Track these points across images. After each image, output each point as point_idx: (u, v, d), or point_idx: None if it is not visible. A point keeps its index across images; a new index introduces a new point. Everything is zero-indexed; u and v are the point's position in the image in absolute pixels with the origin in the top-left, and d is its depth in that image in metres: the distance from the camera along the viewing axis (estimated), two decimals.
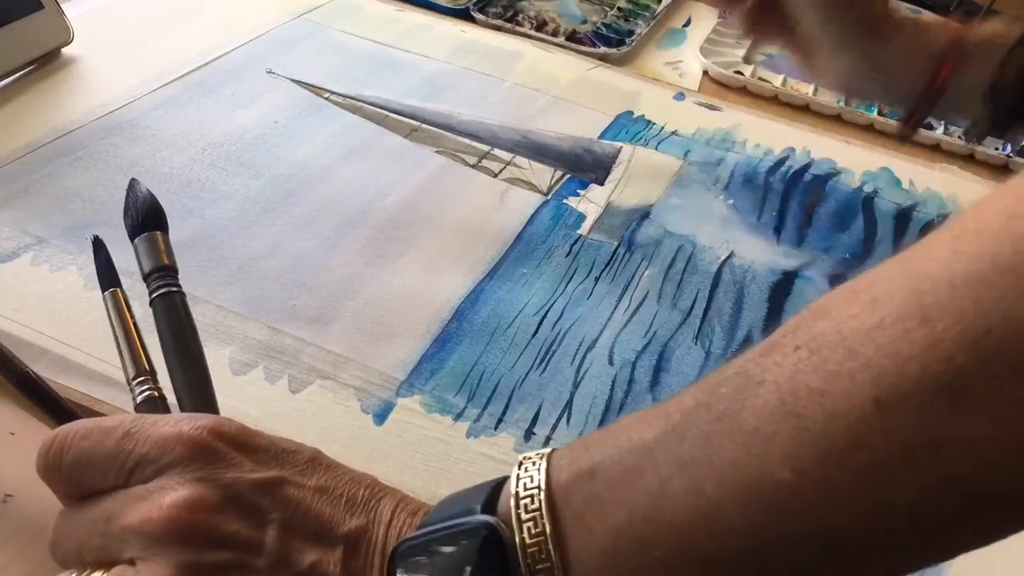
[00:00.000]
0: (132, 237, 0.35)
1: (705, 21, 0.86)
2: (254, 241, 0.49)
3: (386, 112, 0.63)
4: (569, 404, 0.43)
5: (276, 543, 0.26)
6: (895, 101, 0.56)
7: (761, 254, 0.55)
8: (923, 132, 0.69)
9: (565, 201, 0.56)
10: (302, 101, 0.62)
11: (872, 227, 0.59)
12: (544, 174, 0.59)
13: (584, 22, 0.81)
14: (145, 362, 0.32)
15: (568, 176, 0.59)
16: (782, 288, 0.52)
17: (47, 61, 0.61)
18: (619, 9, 0.85)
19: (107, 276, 0.34)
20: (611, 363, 0.45)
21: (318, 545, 0.27)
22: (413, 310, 0.46)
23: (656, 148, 0.63)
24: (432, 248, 0.51)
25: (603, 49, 0.76)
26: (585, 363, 0.45)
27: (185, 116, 0.58)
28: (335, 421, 0.40)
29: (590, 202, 0.57)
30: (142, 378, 0.32)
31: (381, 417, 0.40)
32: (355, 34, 0.72)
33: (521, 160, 0.60)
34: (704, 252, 0.54)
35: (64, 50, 0.63)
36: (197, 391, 0.33)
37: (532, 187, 0.57)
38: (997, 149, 0.69)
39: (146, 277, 0.34)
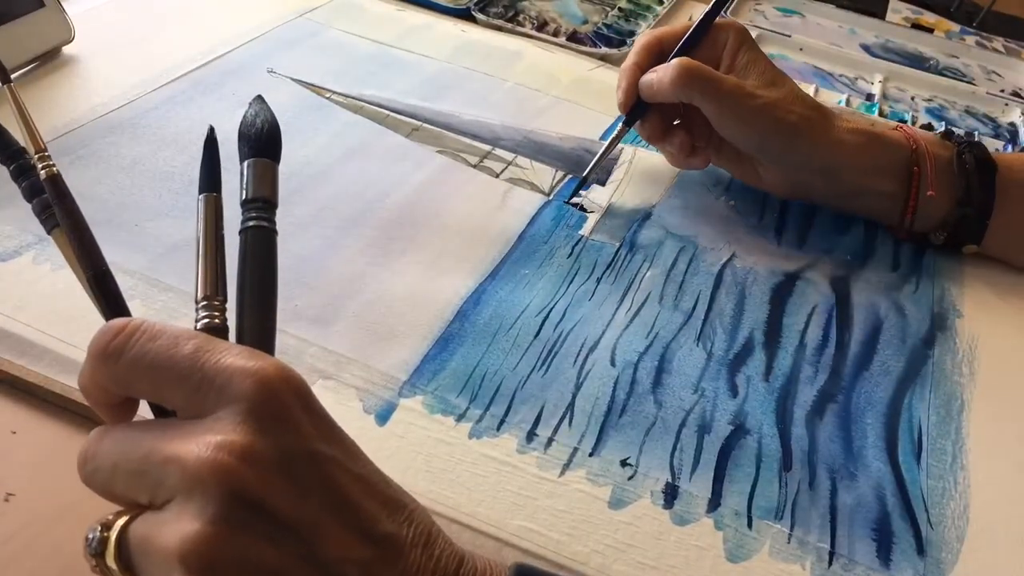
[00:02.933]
0: (244, 156, 0.32)
1: None
2: None
3: (387, 112, 0.62)
4: (571, 405, 0.43)
5: (311, 521, 0.25)
6: (849, 206, 0.59)
7: (763, 256, 0.55)
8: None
9: (575, 200, 0.56)
10: (303, 100, 0.62)
11: (873, 228, 0.59)
12: (545, 174, 0.59)
13: (585, 22, 0.81)
14: (218, 285, 0.30)
15: (569, 176, 0.59)
16: (784, 290, 0.52)
17: (48, 59, 0.61)
18: (620, 9, 0.85)
19: (210, 177, 0.31)
20: (613, 364, 0.45)
21: (351, 537, 0.26)
22: (415, 310, 0.46)
23: (657, 150, 0.63)
24: (434, 248, 0.51)
25: (604, 49, 0.76)
26: (587, 364, 0.45)
27: (187, 115, 0.58)
28: (337, 421, 0.39)
29: (592, 202, 0.57)
30: (214, 303, 0.30)
31: (383, 417, 0.40)
32: (356, 34, 0.72)
33: (523, 160, 0.60)
34: (706, 253, 0.54)
35: (65, 49, 0.63)
36: (264, 336, 0.30)
37: (534, 187, 0.57)
38: (997, 151, 0.69)
39: (245, 203, 0.31)
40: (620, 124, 0.57)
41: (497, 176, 0.58)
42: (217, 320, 0.30)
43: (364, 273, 0.48)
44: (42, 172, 0.31)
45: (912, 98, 0.78)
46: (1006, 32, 0.95)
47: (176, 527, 0.24)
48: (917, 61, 0.85)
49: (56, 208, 0.30)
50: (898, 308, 0.52)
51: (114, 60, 0.63)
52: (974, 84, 0.82)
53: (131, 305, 0.44)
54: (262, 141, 0.32)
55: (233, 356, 0.26)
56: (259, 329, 0.30)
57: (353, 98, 0.63)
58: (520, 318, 0.47)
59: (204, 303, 0.30)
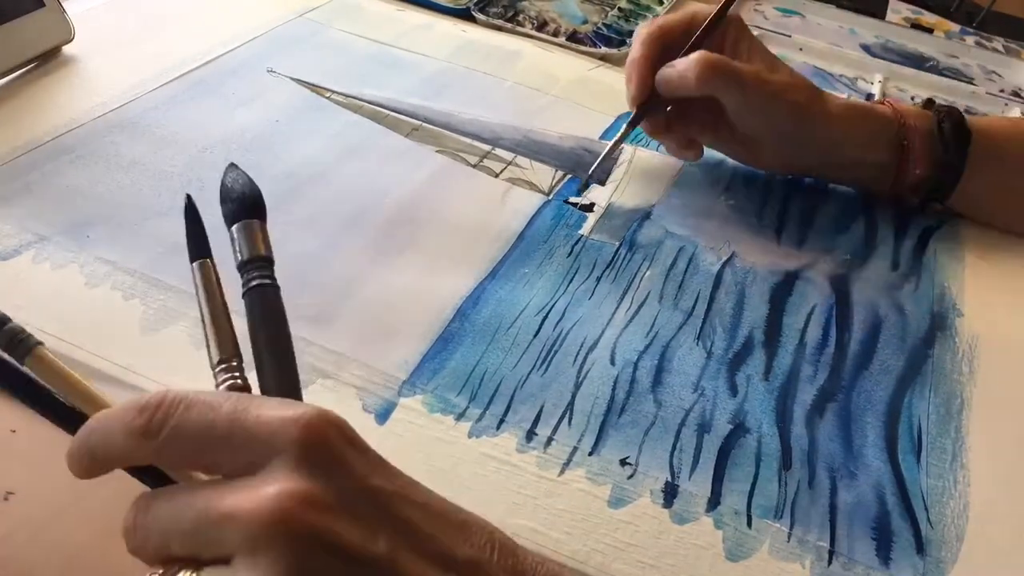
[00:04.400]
0: (230, 223, 0.32)
1: None
2: None
3: (387, 111, 0.62)
4: (571, 405, 0.43)
5: (387, 557, 0.24)
6: (841, 177, 0.61)
7: (762, 255, 0.55)
8: None
9: (574, 200, 0.56)
10: (303, 100, 0.62)
11: (873, 228, 0.59)
12: (545, 174, 0.59)
13: (585, 22, 0.81)
14: (232, 346, 0.30)
15: (569, 176, 0.59)
16: (783, 289, 0.52)
17: (48, 59, 0.61)
18: (620, 9, 0.85)
19: (197, 244, 0.32)
20: (613, 363, 0.45)
21: (430, 567, 0.25)
22: (415, 309, 0.46)
23: (657, 149, 0.63)
24: (433, 247, 0.51)
25: (604, 49, 0.76)
26: (587, 363, 0.45)
27: (186, 115, 0.58)
28: None
29: (592, 200, 0.57)
30: (231, 363, 0.30)
31: (383, 417, 0.40)
32: (356, 33, 0.72)
33: (522, 160, 0.60)
34: (705, 253, 0.54)
35: (65, 48, 0.63)
36: (291, 389, 0.31)
37: (533, 187, 0.57)
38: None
39: (243, 266, 0.32)
40: (625, 124, 0.57)
41: (497, 176, 0.58)
42: (239, 380, 0.30)
43: (364, 273, 0.48)
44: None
45: (912, 98, 0.78)
46: (1006, 32, 0.95)
47: None
48: (917, 61, 0.85)
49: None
50: (898, 307, 0.52)
51: (114, 60, 0.63)
52: (974, 84, 0.82)
53: (131, 305, 0.44)
54: (245, 205, 0.33)
55: (271, 408, 0.26)
56: (285, 383, 0.31)
57: (353, 98, 0.63)
58: (520, 317, 0.47)
59: (222, 366, 0.30)
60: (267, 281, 0.32)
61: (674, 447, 0.41)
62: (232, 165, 0.34)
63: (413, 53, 0.71)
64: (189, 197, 0.33)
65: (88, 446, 0.27)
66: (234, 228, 0.33)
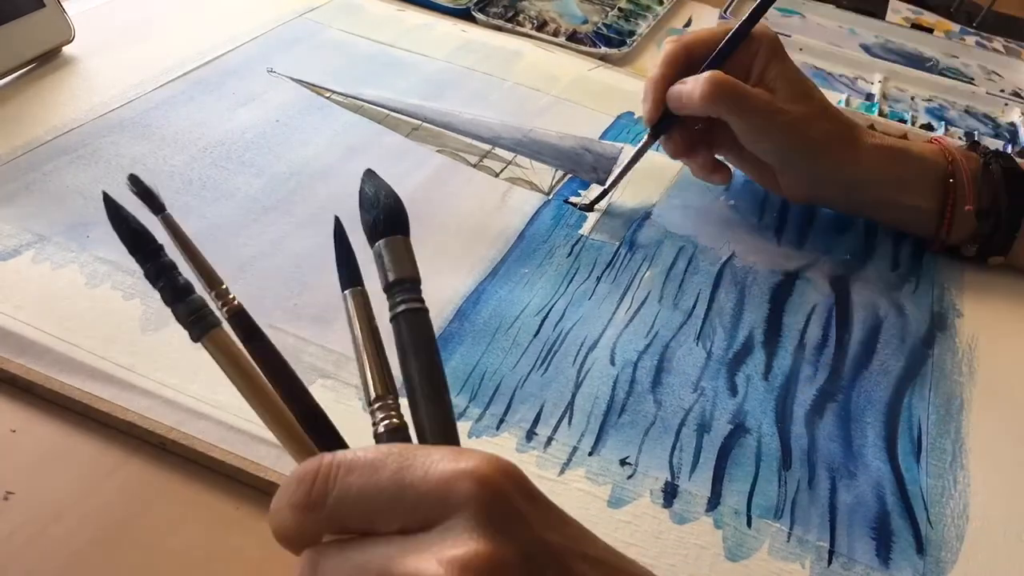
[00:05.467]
0: (373, 239, 0.30)
1: (706, 21, 0.87)
2: (255, 240, 0.49)
3: (387, 111, 0.62)
4: (571, 405, 0.43)
5: None
6: (878, 217, 0.59)
7: (762, 255, 0.55)
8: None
9: (573, 199, 0.56)
10: (303, 100, 0.62)
11: (873, 228, 0.59)
12: (545, 174, 0.59)
13: (585, 22, 0.81)
14: (390, 382, 0.28)
15: (569, 176, 0.59)
16: (783, 289, 0.52)
17: (48, 59, 0.61)
18: (620, 9, 0.85)
19: (350, 271, 0.30)
20: (613, 363, 0.45)
21: None
22: None
23: (657, 149, 0.63)
24: (433, 247, 0.51)
25: (604, 49, 0.76)
26: (587, 363, 0.45)
27: (186, 115, 0.58)
28: (337, 420, 0.39)
29: (591, 199, 0.57)
30: (387, 401, 0.28)
31: None
32: (356, 33, 0.72)
33: (522, 160, 0.60)
34: (705, 253, 0.54)
35: (65, 48, 0.63)
36: (448, 429, 0.28)
37: (533, 187, 0.57)
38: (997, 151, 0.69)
39: (391, 287, 0.30)
40: (646, 135, 0.55)
41: (497, 175, 0.58)
42: (395, 420, 0.28)
43: (363, 272, 0.48)
44: (224, 310, 0.29)
45: (912, 98, 0.78)
46: (1006, 32, 0.95)
47: None
48: (917, 61, 0.85)
49: (250, 349, 0.29)
50: (898, 307, 0.52)
51: (114, 60, 0.63)
52: (974, 84, 0.82)
53: (131, 305, 0.44)
54: (391, 217, 0.30)
55: (439, 462, 0.24)
56: (441, 420, 0.28)
57: (353, 98, 0.63)
58: (520, 317, 0.47)
59: (379, 404, 0.28)
60: (417, 305, 0.29)
61: (674, 447, 0.41)
62: (370, 171, 0.32)
63: (413, 53, 0.71)
64: (337, 219, 0.31)
65: (277, 533, 0.26)
66: (380, 244, 0.30)
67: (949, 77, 0.82)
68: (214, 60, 0.65)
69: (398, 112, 0.63)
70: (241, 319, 0.29)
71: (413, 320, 0.29)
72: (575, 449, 0.40)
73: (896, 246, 0.58)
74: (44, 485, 0.36)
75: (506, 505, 0.23)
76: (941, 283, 0.55)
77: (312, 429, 0.28)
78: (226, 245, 0.48)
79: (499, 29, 0.78)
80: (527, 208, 0.55)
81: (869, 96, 0.77)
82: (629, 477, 0.40)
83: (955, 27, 0.95)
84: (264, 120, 0.59)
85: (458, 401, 0.42)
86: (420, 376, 0.29)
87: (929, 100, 0.79)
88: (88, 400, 0.38)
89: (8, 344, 0.40)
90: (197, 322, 0.28)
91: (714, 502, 0.39)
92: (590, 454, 0.40)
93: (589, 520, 0.37)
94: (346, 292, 0.30)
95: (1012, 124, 0.76)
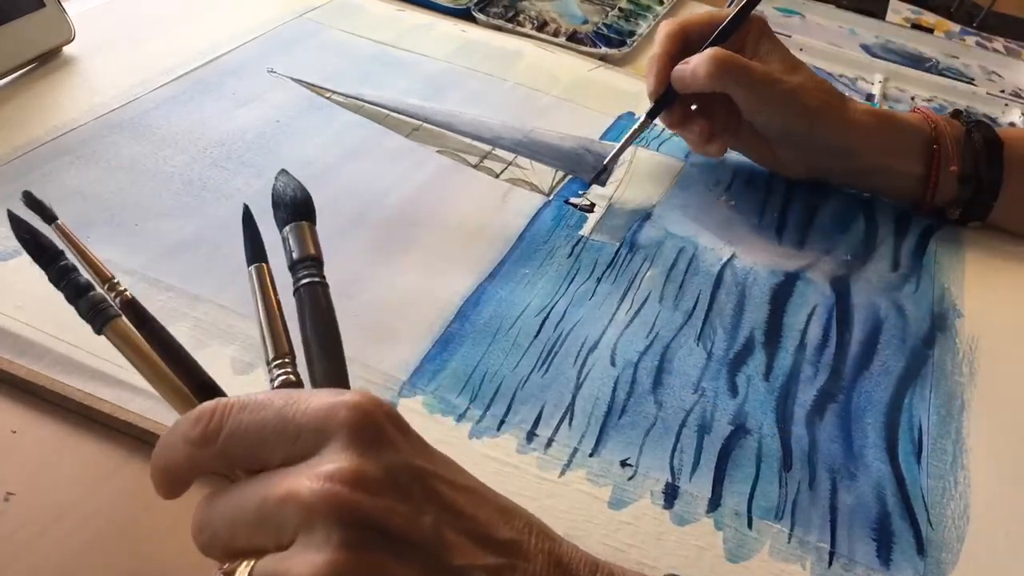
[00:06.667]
0: (281, 225, 0.34)
1: None
2: None
3: (387, 112, 0.62)
4: (571, 405, 0.43)
5: (433, 534, 0.25)
6: (871, 186, 0.62)
7: (763, 255, 0.55)
8: None
9: (573, 200, 0.56)
10: (303, 100, 0.62)
11: (873, 228, 0.59)
12: (546, 175, 0.59)
13: (585, 22, 0.81)
14: (286, 344, 0.32)
15: (570, 177, 0.59)
16: (784, 290, 0.52)
17: (48, 59, 0.61)
18: (620, 9, 0.85)
19: (254, 249, 0.34)
20: (613, 364, 0.45)
21: (473, 546, 0.26)
22: (415, 310, 0.46)
23: (657, 149, 0.63)
24: (434, 248, 0.51)
25: (604, 49, 0.76)
26: (587, 364, 0.45)
27: (186, 115, 0.58)
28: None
29: (591, 199, 0.57)
30: (284, 360, 0.31)
31: None
32: (356, 34, 0.72)
33: (523, 160, 0.60)
34: (706, 253, 0.54)
35: (65, 48, 0.63)
36: (337, 381, 0.32)
37: (534, 187, 0.57)
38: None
39: (294, 265, 0.34)
40: (644, 116, 0.58)
41: (497, 176, 0.58)
42: (292, 376, 0.31)
43: (364, 273, 0.48)
44: (117, 300, 0.32)
45: (912, 98, 0.78)
46: (1006, 32, 0.95)
47: (304, 559, 0.24)
48: (917, 61, 0.85)
49: (144, 334, 0.32)
50: (898, 308, 0.52)
51: (114, 60, 0.63)
52: (974, 84, 0.82)
53: None
54: (297, 207, 0.35)
55: (320, 397, 0.27)
56: (334, 374, 0.32)
57: (353, 98, 0.63)
58: (520, 318, 0.47)
59: (277, 362, 0.31)
60: (316, 279, 0.34)
61: (674, 448, 0.41)
62: (283, 171, 0.36)
63: (413, 53, 0.71)
64: (246, 207, 0.34)
65: (159, 465, 0.28)
66: (286, 230, 0.34)
67: (949, 77, 0.82)
68: (214, 60, 0.65)
69: (398, 112, 0.63)
70: (134, 307, 0.32)
71: (314, 291, 0.33)
72: (576, 450, 0.40)
73: (897, 246, 0.58)
74: (45, 486, 0.36)
75: (377, 430, 0.26)
76: (942, 283, 0.55)
77: (208, 398, 0.30)
78: (226, 246, 0.48)
79: (499, 29, 0.77)
80: (527, 209, 0.55)
81: (869, 96, 0.77)
82: (630, 478, 0.40)
83: (955, 27, 0.95)
84: (264, 120, 0.59)
85: (458, 402, 0.42)
86: (315, 337, 0.32)
87: (929, 100, 0.79)
88: (89, 401, 0.38)
89: (8, 345, 0.40)
90: (98, 315, 0.31)
91: (715, 503, 0.39)
92: (591, 455, 0.40)
93: (590, 522, 0.38)
94: (251, 268, 0.33)
95: (1012, 124, 0.76)
